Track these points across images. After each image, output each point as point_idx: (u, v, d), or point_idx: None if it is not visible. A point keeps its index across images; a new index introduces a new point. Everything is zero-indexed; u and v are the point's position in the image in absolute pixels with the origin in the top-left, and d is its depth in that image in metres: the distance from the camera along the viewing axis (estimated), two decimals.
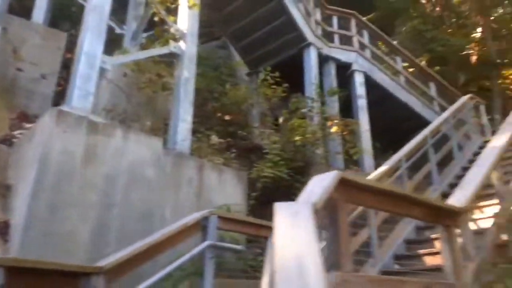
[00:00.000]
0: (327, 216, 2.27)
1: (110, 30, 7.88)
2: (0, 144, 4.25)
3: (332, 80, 8.06)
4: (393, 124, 9.03)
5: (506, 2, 15.77)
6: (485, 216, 4.09)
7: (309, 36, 7.76)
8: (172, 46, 5.06)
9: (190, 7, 5.14)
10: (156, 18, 5.45)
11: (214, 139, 5.01)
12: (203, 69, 8.30)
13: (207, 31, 10.21)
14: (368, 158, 7.66)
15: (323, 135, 6.86)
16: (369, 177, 5.48)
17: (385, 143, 8.68)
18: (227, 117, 5.96)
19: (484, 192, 4.58)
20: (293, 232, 1.77)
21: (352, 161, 7.58)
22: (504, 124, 4.59)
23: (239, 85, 8.32)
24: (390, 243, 5.06)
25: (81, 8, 6.01)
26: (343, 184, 2.26)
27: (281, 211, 1.93)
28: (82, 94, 3.93)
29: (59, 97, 5.25)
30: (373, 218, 4.67)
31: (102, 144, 3.78)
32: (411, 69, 10.45)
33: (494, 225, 3.38)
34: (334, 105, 7.78)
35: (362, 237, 4.76)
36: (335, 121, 6.39)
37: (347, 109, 8.17)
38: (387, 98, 8.73)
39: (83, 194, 3.56)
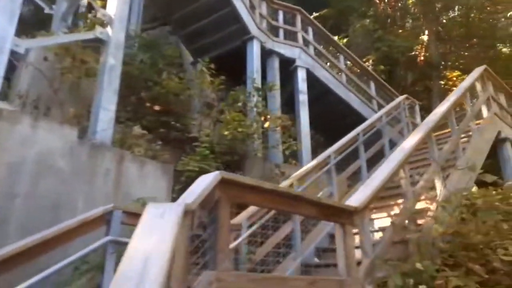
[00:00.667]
0: (208, 214, 2.28)
1: (39, 9, 7.53)
2: None
3: (275, 75, 8.06)
4: (336, 119, 9.25)
5: (457, 7, 16.50)
6: (386, 215, 4.28)
7: (253, 29, 7.72)
8: (98, 31, 4.87)
9: None
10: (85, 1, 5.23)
11: (137, 130, 4.90)
12: (150, 55, 8.05)
13: (160, 15, 9.79)
14: (306, 152, 7.80)
15: (262, 129, 6.86)
16: (298, 172, 5.60)
17: (329, 138, 8.87)
18: (156, 108, 5.83)
19: (396, 192, 4.81)
20: (149, 233, 1.76)
21: (291, 155, 7.67)
22: (419, 126, 4.79)
23: (184, 74, 8.15)
24: (313, 237, 5.20)
25: None
26: (224, 183, 2.27)
27: (149, 211, 1.90)
28: None
29: None
30: None
31: (5, 131, 3.59)
32: (357, 68, 10.71)
33: (392, 223, 3.53)
34: (275, 99, 7.81)
35: (285, 231, 4.86)
36: (268, 116, 6.41)
37: (291, 103, 8.25)
38: (329, 95, 8.91)
39: None
